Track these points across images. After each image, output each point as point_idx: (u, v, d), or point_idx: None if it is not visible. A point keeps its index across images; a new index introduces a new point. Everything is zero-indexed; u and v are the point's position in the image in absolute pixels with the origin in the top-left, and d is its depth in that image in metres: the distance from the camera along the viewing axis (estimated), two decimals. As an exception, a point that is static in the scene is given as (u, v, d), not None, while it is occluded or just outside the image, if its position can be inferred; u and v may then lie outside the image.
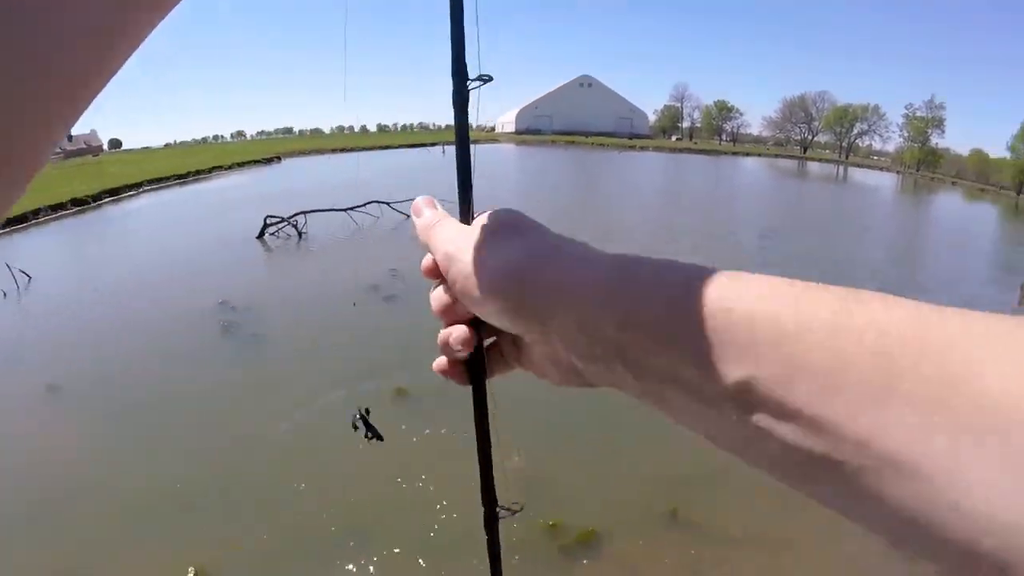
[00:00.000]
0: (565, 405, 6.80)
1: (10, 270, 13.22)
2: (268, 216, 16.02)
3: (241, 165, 45.44)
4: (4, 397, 7.65)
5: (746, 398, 0.35)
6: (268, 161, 49.65)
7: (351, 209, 17.26)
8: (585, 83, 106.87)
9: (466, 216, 0.60)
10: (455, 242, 0.53)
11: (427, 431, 6.27)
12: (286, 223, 16.06)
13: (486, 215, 0.56)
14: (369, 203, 17.68)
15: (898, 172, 79.44)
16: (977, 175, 76.31)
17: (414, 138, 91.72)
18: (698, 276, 0.39)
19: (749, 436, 0.36)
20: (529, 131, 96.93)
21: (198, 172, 40.18)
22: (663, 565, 4.74)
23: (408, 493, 5.41)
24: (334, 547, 4.75)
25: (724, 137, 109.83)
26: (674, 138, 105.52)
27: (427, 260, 0.57)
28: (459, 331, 0.56)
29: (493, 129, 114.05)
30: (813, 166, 72.15)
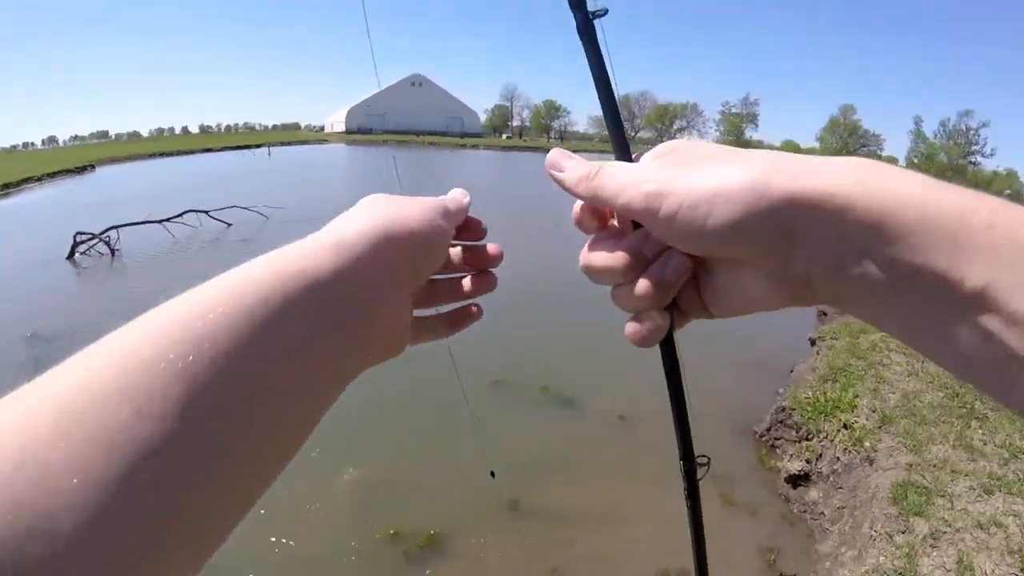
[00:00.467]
0: (392, 412, 7.04)
1: None
2: (78, 233, 15.02)
3: (52, 175, 42.21)
4: None
5: (981, 302, 0.37)
6: (81, 170, 46.40)
7: (167, 220, 16.57)
8: (417, 82, 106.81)
9: (626, 154, 0.59)
10: (652, 179, 0.49)
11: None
12: (98, 240, 15.19)
13: (656, 148, 0.55)
14: (186, 212, 17.03)
15: None
16: None
17: (239, 139, 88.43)
18: (937, 185, 0.41)
19: (975, 341, 0.38)
20: (360, 130, 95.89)
21: (6, 185, 36.86)
22: (511, 554, 4.94)
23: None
24: None
25: (552, 135, 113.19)
26: (504, 136, 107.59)
27: (594, 211, 0.60)
28: (669, 272, 0.52)
29: (322, 129, 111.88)
30: None
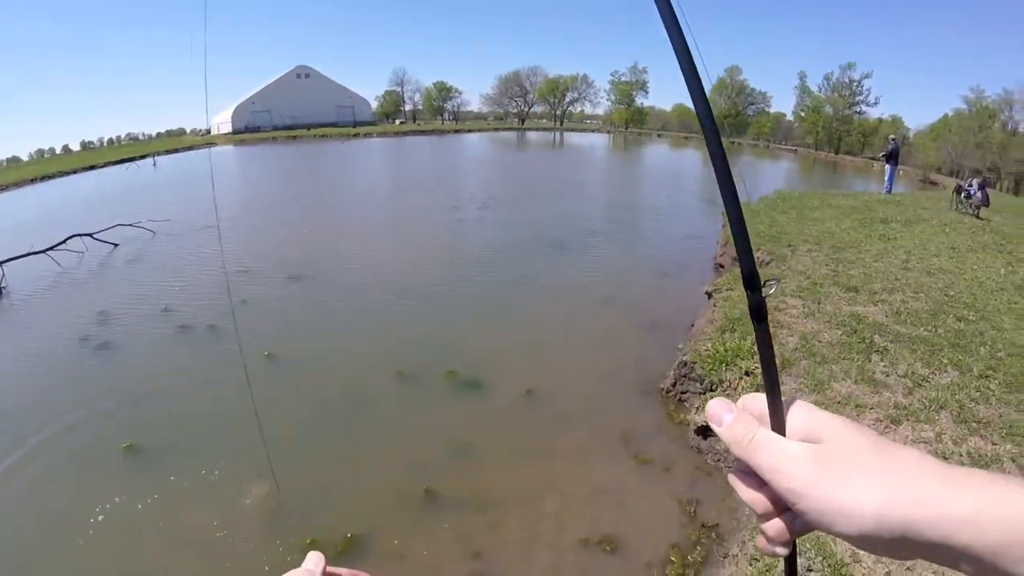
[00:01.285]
0: (287, 414, 7.13)
1: None
2: (-45, 275, 14.41)
3: (-81, 217, 39.71)
4: None
5: None
6: (-47, 205, 44.03)
7: (50, 249, 16.00)
8: (303, 73, 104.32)
9: (777, 417, 0.65)
10: (796, 477, 0.59)
11: (165, 476, 6.20)
12: (-19, 278, 14.54)
13: (808, 423, 0.63)
14: (70, 238, 16.57)
15: (609, 132, 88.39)
16: (681, 126, 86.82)
17: (123, 152, 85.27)
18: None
19: None
20: (248, 129, 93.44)
21: None
22: (433, 545, 5.03)
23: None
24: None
25: (446, 116, 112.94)
26: (398, 122, 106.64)
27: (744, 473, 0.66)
28: (797, 526, 0.63)
29: (209, 131, 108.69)
30: (532, 135, 77.46)
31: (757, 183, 26.77)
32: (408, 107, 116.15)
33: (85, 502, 5.84)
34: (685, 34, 0.63)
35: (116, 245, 17.10)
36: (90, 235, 17.06)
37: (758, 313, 0.68)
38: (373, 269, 12.97)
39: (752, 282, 0.67)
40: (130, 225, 18.22)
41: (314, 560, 0.78)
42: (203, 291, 12.07)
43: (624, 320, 9.68)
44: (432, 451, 6.29)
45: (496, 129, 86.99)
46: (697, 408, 6.52)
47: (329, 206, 22.44)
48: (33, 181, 56.72)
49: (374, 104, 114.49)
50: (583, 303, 10.57)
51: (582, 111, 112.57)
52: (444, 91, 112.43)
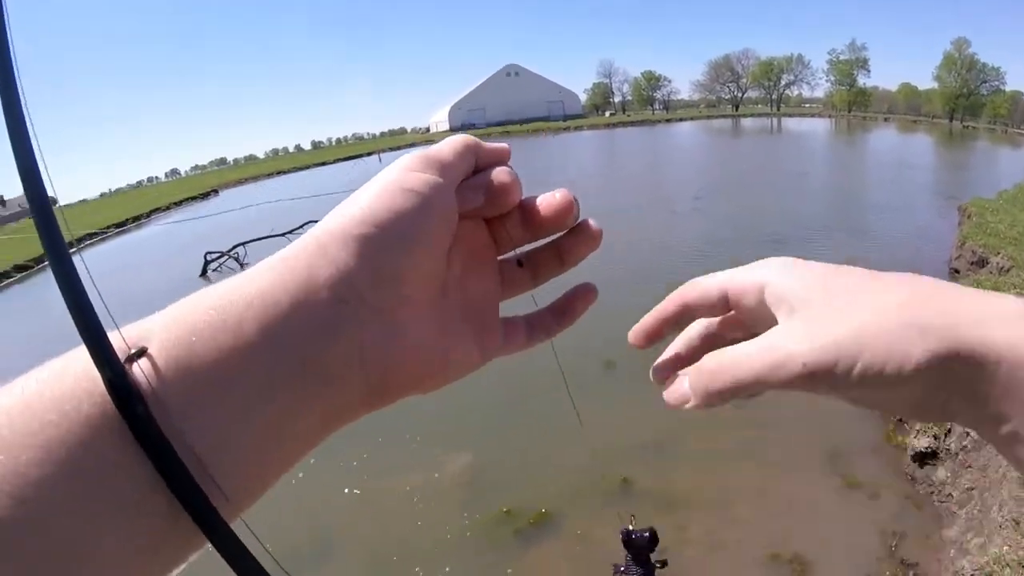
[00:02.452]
0: (500, 397, 7.01)
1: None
2: (207, 252, 16.05)
3: (179, 204, 44.94)
4: None
5: None
6: (205, 196, 49.18)
7: (289, 233, 17.17)
8: (512, 71, 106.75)
9: None
10: (781, 347, 0.42)
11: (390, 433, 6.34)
12: (227, 257, 16.07)
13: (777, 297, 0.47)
14: (306, 224, 17.52)
15: (830, 116, 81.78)
16: (908, 108, 79.14)
17: (349, 150, 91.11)
18: None
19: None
20: (464, 126, 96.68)
21: (137, 218, 39.71)
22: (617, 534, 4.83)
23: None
24: None
25: (656, 106, 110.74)
26: (607, 114, 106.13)
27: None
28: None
29: (428, 130, 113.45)
30: (747, 122, 73.36)
31: (994, 174, 23.61)
32: (617, 98, 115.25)
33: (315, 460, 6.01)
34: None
35: (345, 231, 17.66)
36: (324, 221, 17.79)
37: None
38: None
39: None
40: (359, 214, 18.78)
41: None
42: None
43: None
44: (634, 441, 5.95)
45: (708, 117, 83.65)
46: (918, 431, 5.66)
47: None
48: (269, 175, 62.19)
49: (583, 97, 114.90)
50: None
51: (799, 94, 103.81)
52: (652, 80, 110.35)
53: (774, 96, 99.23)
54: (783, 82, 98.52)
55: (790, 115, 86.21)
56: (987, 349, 0.36)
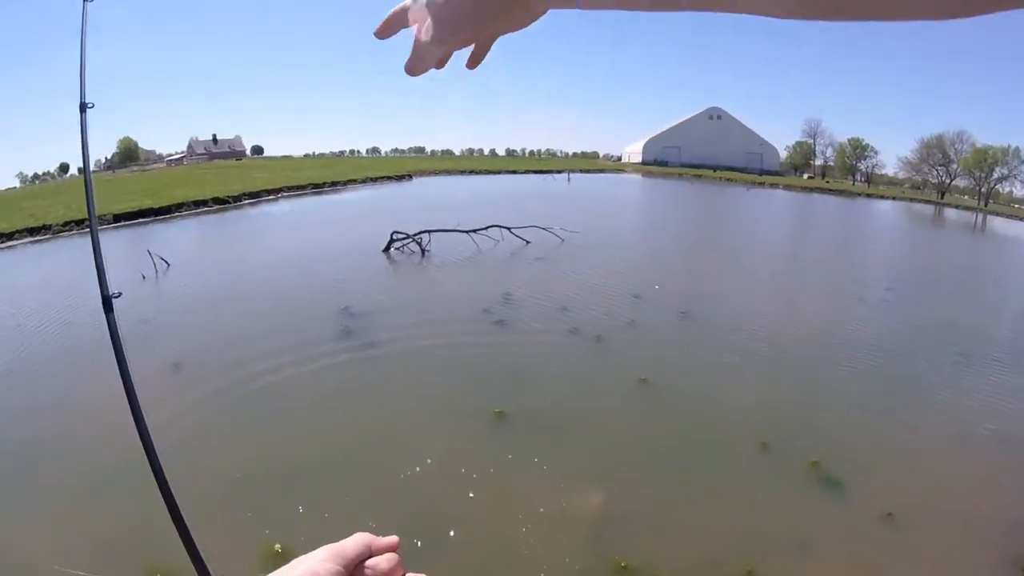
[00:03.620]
0: (643, 441, 6.92)
1: (151, 256, 14.65)
2: (395, 232, 16.87)
3: (374, 180, 47.34)
4: (134, 370, 8.40)
5: None
6: (400, 178, 51.42)
7: (473, 231, 17.82)
8: (714, 115, 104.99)
9: None
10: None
11: (521, 455, 6.47)
12: (411, 240, 16.81)
13: None
14: (491, 227, 18.18)
15: None
16: None
17: (541, 164, 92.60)
18: None
19: None
20: (656, 162, 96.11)
21: (334, 183, 42.25)
22: None
23: (488, 506, 5.63)
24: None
25: (858, 177, 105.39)
26: (805, 176, 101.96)
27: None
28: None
29: (619, 159, 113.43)
30: (950, 212, 67.75)
31: None
32: (818, 161, 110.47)
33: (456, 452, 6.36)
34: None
35: (528, 242, 18.12)
36: (508, 228, 18.41)
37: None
38: (758, 326, 11.77)
39: None
40: (544, 228, 19.16)
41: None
42: (598, 304, 12.05)
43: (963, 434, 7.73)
44: (767, 535, 5.51)
45: (911, 199, 78.10)
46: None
47: (726, 252, 21.62)
48: (462, 172, 64.03)
49: (783, 154, 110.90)
50: (973, 429, 8.44)
51: (1010, 192, 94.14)
52: (859, 148, 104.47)
53: (983, 189, 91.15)
54: (995, 175, 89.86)
55: (998, 213, 78.37)
56: None
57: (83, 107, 2.37)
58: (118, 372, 2.05)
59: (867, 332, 11.75)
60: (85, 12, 2.48)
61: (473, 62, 0.72)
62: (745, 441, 7.05)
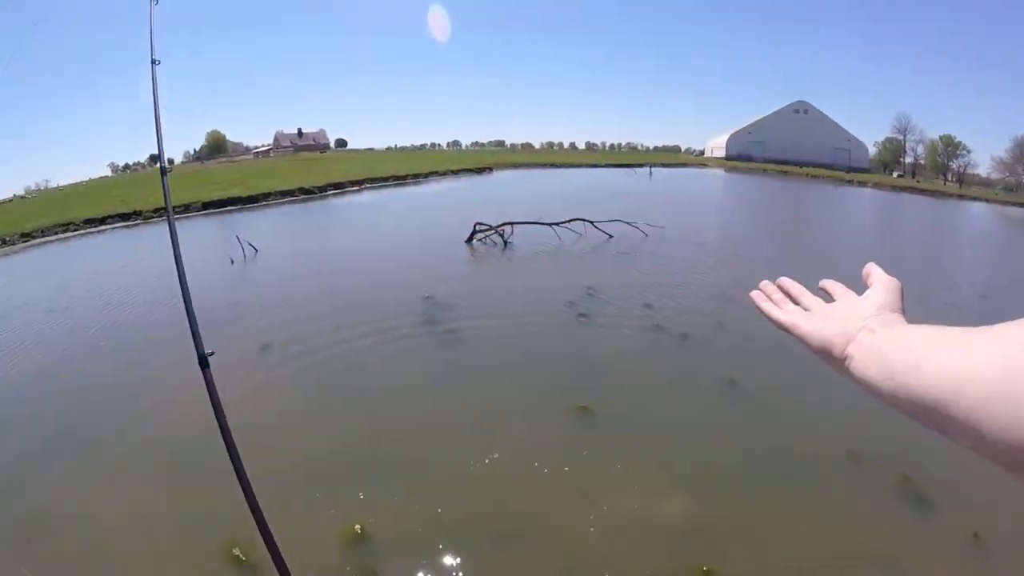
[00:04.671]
0: (729, 445, 6.73)
1: (240, 242, 15.10)
2: (478, 223, 16.92)
3: (456, 172, 47.87)
4: (226, 351, 8.65)
5: None
6: (480, 171, 51.84)
7: (556, 224, 17.71)
8: (801, 109, 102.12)
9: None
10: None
11: (604, 453, 6.39)
12: (494, 231, 16.88)
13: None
14: (573, 220, 18.05)
15: None
16: None
17: (621, 158, 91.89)
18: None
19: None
20: (740, 157, 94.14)
21: (416, 175, 42.86)
22: None
23: (572, 509, 5.52)
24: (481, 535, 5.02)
25: (949, 177, 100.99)
26: (895, 174, 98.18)
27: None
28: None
29: (702, 152, 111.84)
30: None
31: None
32: (909, 159, 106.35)
33: (537, 446, 6.39)
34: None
35: (611, 236, 17.96)
36: (591, 222, 18.28)
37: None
38: None
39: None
40: (627, 223, 18.91)
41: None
42: (684, 301, 11.82)
43: None
44: (854, 550, 5.29)
45: (1005, 202, 74.39)
46: None
47: (817, 252, 20.90)
48: (542, 166, 64.17)
49: (872, 150, 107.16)
50: None
51: None
52: (951, 147, 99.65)
53: None
54: None
55: (1097, 219, 74.15)
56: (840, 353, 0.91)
57: (154, 62, 2.40)
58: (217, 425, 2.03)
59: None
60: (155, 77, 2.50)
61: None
62: (835, 450, 6.81)
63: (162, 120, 2.42)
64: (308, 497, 5.43)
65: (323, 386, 7.75)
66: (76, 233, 22.80)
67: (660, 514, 5.48)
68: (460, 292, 11.77)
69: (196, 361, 2.13)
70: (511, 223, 16.89)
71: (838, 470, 6.51)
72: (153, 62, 2.53)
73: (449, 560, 4.73)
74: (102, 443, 6.47)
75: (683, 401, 7.76)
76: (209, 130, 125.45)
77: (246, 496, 2.01)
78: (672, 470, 6.20)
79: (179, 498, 5.40)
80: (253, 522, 2.26)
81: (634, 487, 5.82)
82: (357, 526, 4.96)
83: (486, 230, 16.83)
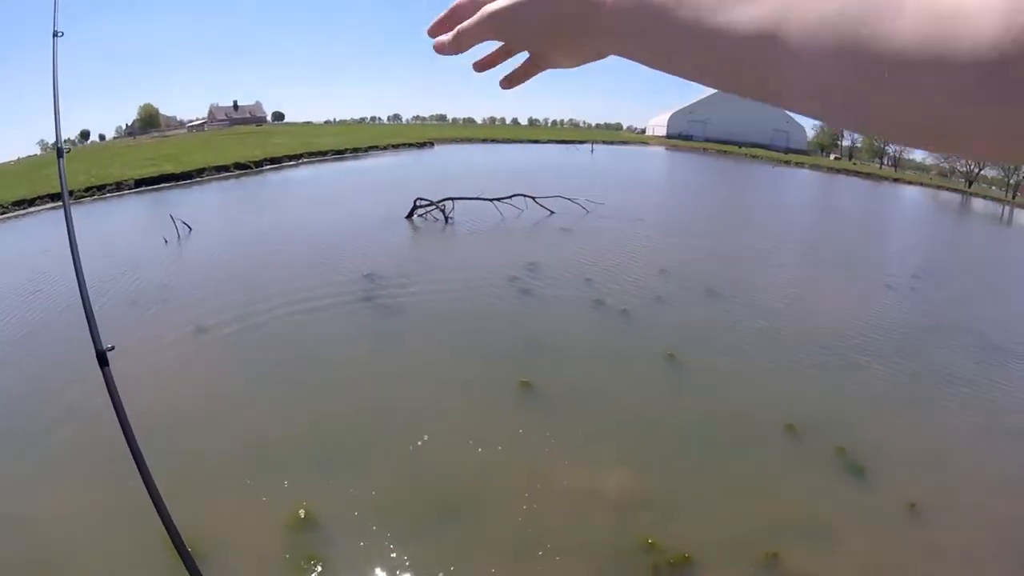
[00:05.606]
0: (670, 418, 6.81)
1: (173, 221, 14.70)
2: (418, 199, 16.71)
3: (396, 147, 47.25)
4: (159, 333, 8.57)
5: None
6: (422, 145, 51.37)
7: (498, 200, 17.60)
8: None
9: None
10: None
11: (546, 427, 6.40)
12: (435, 207, 16.68)
13: None
14: (515, 196, 17.95)
15: None
16: None
17: (563, 135, 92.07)
18: None
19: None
20: (681, 136, 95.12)
21: (356, 149, 42.20)
22: None
23: (511, 479, 5.54)
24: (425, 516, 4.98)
25: (885, 161, 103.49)
26: (832, 157, 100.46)
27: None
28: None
29: (644, 131, 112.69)
30: (977, 203, 66.35)
31: None
32: (846, 142, 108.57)
33: (480, 422, 6.39)
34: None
35: (552, 212, 17.95)
36: (533, 197, 18.20)
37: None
38: (785, 307, 11.44)
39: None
40: (569, 199, 18.94)
41: None
42: (624, 276, 11.88)
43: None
44: (792, 519, 5.38)
45: (938, 187, 76.30)
46: None
47: (751, 229, 21.08)
48: (484, 141, 63.90)
49: (810, 133, 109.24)
50: (1001, 424, 8.11)
51: None
52: None
53: (1012, 181, 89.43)
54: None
55: (1024, 206, 76.38)
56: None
57: (55, 34, 2.24)
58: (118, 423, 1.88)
59: (894, 319, 11.46)
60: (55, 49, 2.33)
61: (510, 81, 0.78)
62: (772, 423, 6.91)
63: (60, 97, 2.25)
64: (251, 480, 5.32)
65: (260, 367, 7.58)
66: (3, 216, 21.90)
67: (603, 488, 5.51)
68: (401, 268, 11.64)
69: (95, 357, 1.96)
70: (452, 198, 16.70)
71: (775, 442, 6.62)
72: (55, 34, 2.35)
73: (396, 542, 4.66)
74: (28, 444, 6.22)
75: (624, 375, 7.81)
76: (141, 104, 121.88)
77: (149, 493, 1.86)
78: (614, 444, 6.23)
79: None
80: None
81: (578, 462, 5.85)
82: (301, 510, 4.84)
83: (427, 206, 16.62)
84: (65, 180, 2.10)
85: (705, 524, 5.23)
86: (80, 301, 1.71)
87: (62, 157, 2.11)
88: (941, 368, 9.23)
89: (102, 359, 1.71)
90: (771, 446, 6.57)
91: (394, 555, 4.55)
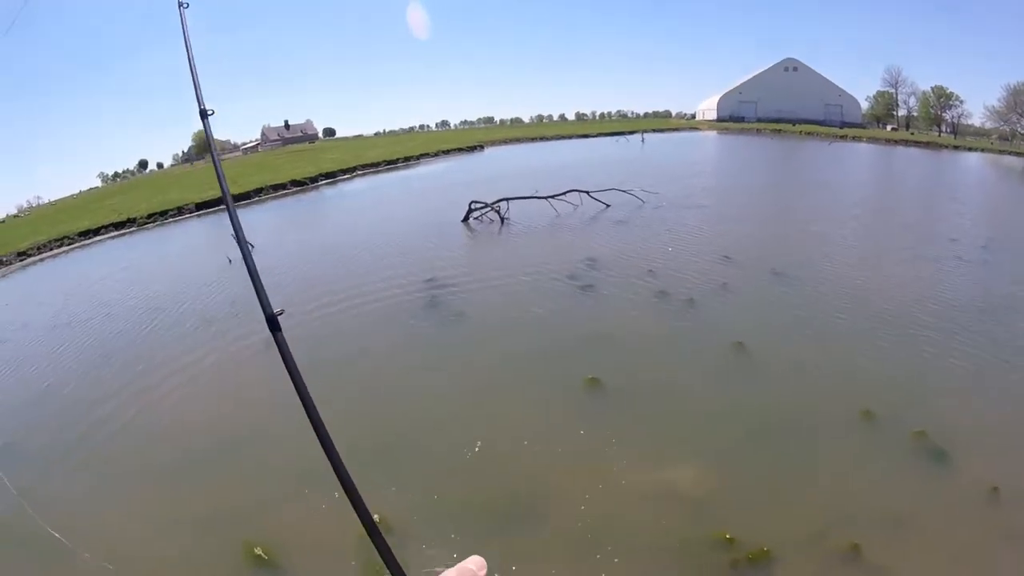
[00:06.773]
0: (742, 409, 6.69)
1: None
2: (473, 202, 16.82)
3: (447, 152, 47.68)
4: (231, 343, 9.19)
5: None
6: (472, 149, 51.62)
7: (552, 197, 17.56)
8: (790, 67, 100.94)
9: None
10: None
11: (616, 424, 6.35)
12: (489, 208, 16.73)
13: None
14: (569, 192, 17.89)
15: None
16: None
17: (612, 126, 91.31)
18: None
19: None
20: (732, 118, 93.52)
21: (407, 158, 42.75)
22: None
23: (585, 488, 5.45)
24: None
25: (944, 128, 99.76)
26: (889, 127, 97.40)
27: None
28: None
29: (694, 116, 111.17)
30: None
31: None
32: (902, 112, 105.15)
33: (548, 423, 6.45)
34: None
35: (607, 205, 17.83)
36: (587, 192, 18.14)
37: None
38: (854, 287, 11.00)
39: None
40: (624, 191, 18.75)
41: (476, 563, 0.77)
42: (686, 265, 11.69)
43: None
44: (871, 508, 5.24)
45: (1000, 151, 72.71)
46: None
47: (814, 210, 20.53)
48: (533, 140, 63.94)
49: (864, 105, 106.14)
50: None
51: None
52: (944, 98, 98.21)
53: None
54: None
55: (1093, 166, 72.32)
56: None
57: (203, 114, 2.25)
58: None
59: (968, 294, 10.93)
60: (184, 19, 2.32)
61: None
62: (847, 409, 6.71)
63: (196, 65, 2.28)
64: (323, 486, 5.30)
65: (327, 374, 7.69)
66: (71, 247, 22.69)
67: (676, 483, 5.45)
68: (461, 272, 11.74)
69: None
70: (506, 199, 16.74)
71: (852, 428, 6.43)
72: (180, 4, 2.39)
73: (470, 545, 4.61)
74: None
75: (692, 367, 7.69)
76: (195, 131, 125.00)
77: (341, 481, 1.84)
78: (685, 438, 6.16)
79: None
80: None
81: (648, 458, 5.80)
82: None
83: (482, 208, 16.70)
84: (214, 146, 2.12)
85: (783, 517, 5.14)
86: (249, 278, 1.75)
87: (206, 118, 2.14)
88: (1022, 344, 8.78)
89: (273, 324, 1.72)
90: (848, 432, 6.39)
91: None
